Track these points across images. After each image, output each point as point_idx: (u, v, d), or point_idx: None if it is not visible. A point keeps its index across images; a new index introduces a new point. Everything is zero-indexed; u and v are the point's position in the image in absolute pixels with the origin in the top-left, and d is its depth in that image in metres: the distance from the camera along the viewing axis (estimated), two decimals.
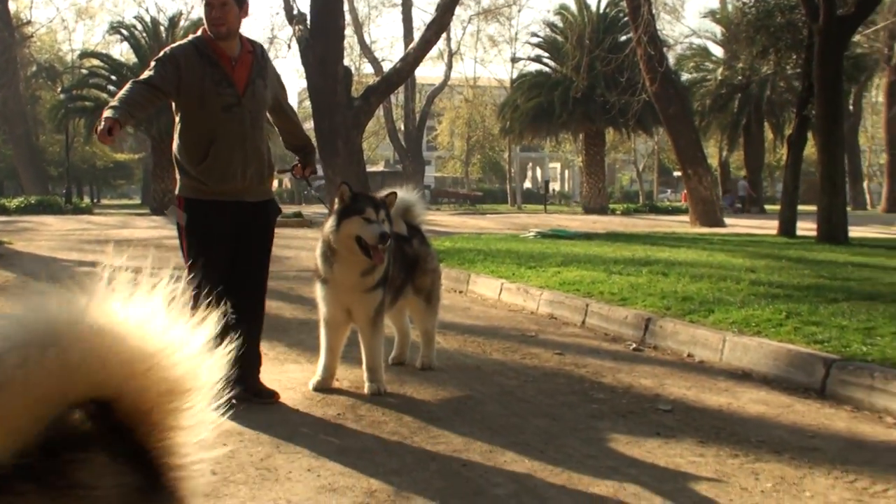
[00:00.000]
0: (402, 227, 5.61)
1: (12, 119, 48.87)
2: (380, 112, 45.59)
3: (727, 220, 26.56)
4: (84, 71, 42.61)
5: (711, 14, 46.69)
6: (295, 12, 25.85)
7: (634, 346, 6.78)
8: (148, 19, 41.47)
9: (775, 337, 6.00)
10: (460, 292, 10.19)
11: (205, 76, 4.79)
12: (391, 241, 4.99)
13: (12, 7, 52.17)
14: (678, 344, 6.56)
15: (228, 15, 4.78)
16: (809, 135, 19.05)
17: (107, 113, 4.52)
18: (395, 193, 5.25)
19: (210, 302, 4.54)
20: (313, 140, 6.02)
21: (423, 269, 5.76)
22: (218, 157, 4.80)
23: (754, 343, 5.92)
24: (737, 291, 7.98)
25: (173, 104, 4.94)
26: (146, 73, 4.84)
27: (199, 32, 4.99)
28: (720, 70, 44.59)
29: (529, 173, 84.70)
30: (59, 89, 48.31)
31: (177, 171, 4.96)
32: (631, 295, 8.01)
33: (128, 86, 4.84)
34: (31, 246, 17.05)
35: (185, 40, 5.06)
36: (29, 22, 56.54)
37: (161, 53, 4.98)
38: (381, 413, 4.72)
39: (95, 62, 41.81)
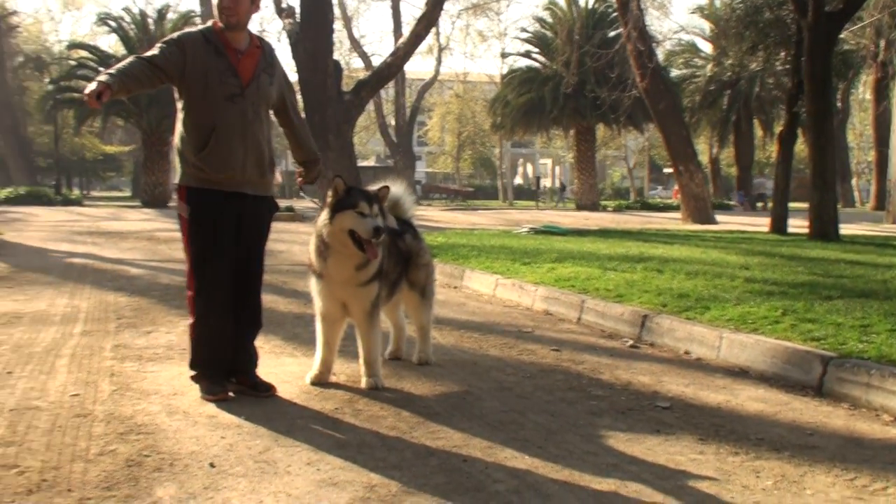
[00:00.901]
0: (392, 222, 5.57)
1: None
2: (370, 107, 45.63)
3: (718, 217, 26.60)
4: (72, 62, 42.42)
5: (700, 10, 46.81)
6: (284, 6, 25.80)
7: (631, 342, 6.77)
8: (136, 11, 41.41)
9: (772, 334, 6.00)
10: (455, 288, 10.17)
11: (210, 64, 4.75)
12: (385, 235, 4.94)
13: None
14: (675, 341, 6.55)
15: (240, 6, 4.76)
16: (799, 131, 19.09)
17: (100, 77, 4.49)
18: (387, 187, 5.17)
19: (211, 292, 4.55)
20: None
21: (416, 263, 5.73)
22: (218, 146, 4.74)
23: (751, 340, 5.92)
24: (732, 288, 7.98)
25: (175, 91, 4.87)
26: (150, 52, 4.79)
27: (209, 24, 4.96)
28: (709, 66, 44.74)
29: (520, 169, 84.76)
30: (47, 80, 48.18)
31: (178, 161, 4.90)
32: (626, 291, 8.00)
33: (129, 59, 4.81)
34: (22, 237, 17.00)
35: (194, 28, 5.02)
36: (14, 12, 56.42)
37: (169, 36, 4.94)
38: (379, 408, 4.69)
39: (83, 53, 41.68)
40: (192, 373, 4.93)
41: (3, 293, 8.85)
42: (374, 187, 5.18)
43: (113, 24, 40.38)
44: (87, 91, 4.38)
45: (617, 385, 5.32)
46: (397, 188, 5.78)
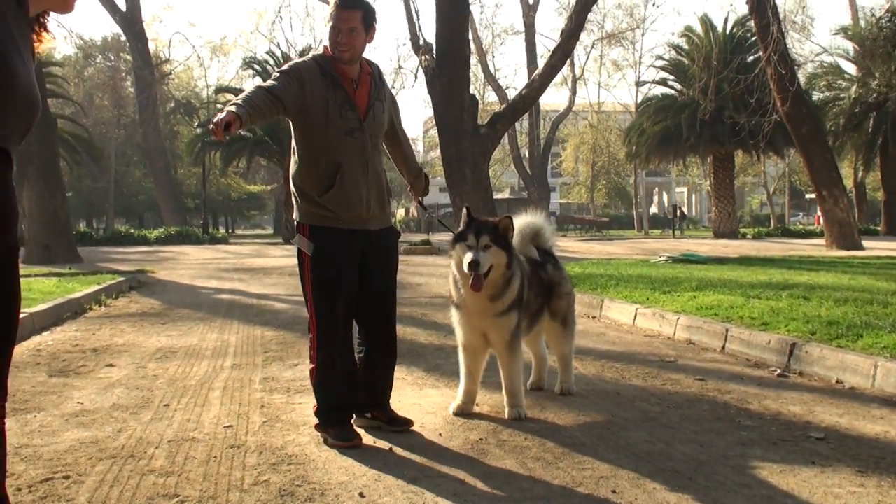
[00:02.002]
0: (533, 252, 5.55)
1: (152, 153, 51.02)
2: (505, 139, 45.82)
3: (865, 243, 25.64)
4: (219, 106, 44.10)
5: (843, 31, 45.32)
6: (421, 42, 26.23)
7: (779, 371, 6.58)
8: (279, 54, 42.91)
9: None
10: (594, 318, 10.09)
11: (328, 97, 4.57)
12: (477, 270, 4.72)
13: (152, 47, 54.60)
14: (826, 370, 6.33)
15: (355, 41, 4.55)
16: None
17: (229, 107, 4.26)
18: (508, 217, 4.99)
19: (336, 333, 4.49)
20: (430, 167, 5.86)
21: (558, 293, 5.68)
22: (344, 185, 4.58)
23: None
24: (885, 315, 7.68)
25: (291, 125, 4.68)
26: (269, 82, 4.57)
27: (320, 50, 4.77)
28: (854, 88, 43.20)
29: (655, 198, 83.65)
30: (196, 124, 50.33)
31: (296, 197, 4.72)
32: (772, 319, 7.79)
33: (251, 89, 4.54)
34: (173, 274, 17.70)
35: (307, 56, 4.77)
36: (167, 60, 59.17)
37: (286, 66, 4.71)
38: (523, 438, 4.68)
39: (230, 97, 43.25)
40: (316, 421, 4.76)
41: (159, 329, 9.23)
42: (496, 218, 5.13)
43: (257, 67, 42.00)
44: (215, 120, 4.11)
45: (766, 415, 5.17)
46: (538, 219, 5.77)
